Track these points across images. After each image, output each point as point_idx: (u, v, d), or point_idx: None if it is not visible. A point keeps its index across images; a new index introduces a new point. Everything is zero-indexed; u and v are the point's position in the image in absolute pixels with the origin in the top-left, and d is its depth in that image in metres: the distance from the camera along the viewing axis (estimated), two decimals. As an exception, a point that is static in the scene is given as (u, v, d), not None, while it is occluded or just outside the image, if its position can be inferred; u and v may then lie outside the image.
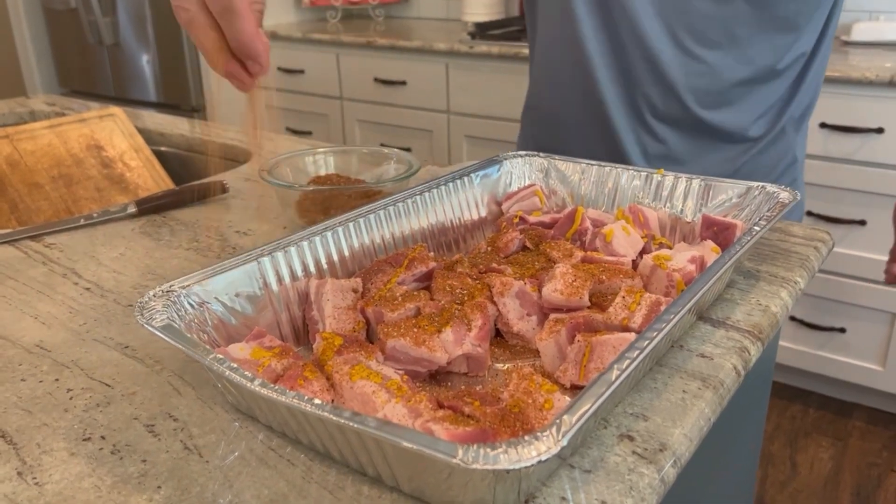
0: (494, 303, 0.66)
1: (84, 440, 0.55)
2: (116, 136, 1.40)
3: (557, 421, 0.42)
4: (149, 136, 1.46)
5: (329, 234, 0.72)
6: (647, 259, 0.69)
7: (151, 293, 0.57)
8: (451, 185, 0.85)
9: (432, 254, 0.76)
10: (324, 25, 3.13)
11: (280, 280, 0.65)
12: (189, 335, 0.54)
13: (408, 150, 2.74)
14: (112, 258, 0.86)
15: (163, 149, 1.46)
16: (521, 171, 0.92)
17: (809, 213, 2.14)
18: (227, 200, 1.04)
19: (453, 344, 0.60)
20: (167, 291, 0.58)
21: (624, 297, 0.63)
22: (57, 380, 0.62)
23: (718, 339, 0.66)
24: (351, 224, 0.74)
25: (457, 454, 0.39)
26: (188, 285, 0.59)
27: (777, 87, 1.02)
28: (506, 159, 0.92)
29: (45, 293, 0.77)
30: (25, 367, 0.64)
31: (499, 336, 0.67)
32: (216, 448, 0.53)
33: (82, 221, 0.95)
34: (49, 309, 0.74)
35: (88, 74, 3.40)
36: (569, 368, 0.59)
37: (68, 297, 0.76)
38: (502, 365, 0.63)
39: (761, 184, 0.79)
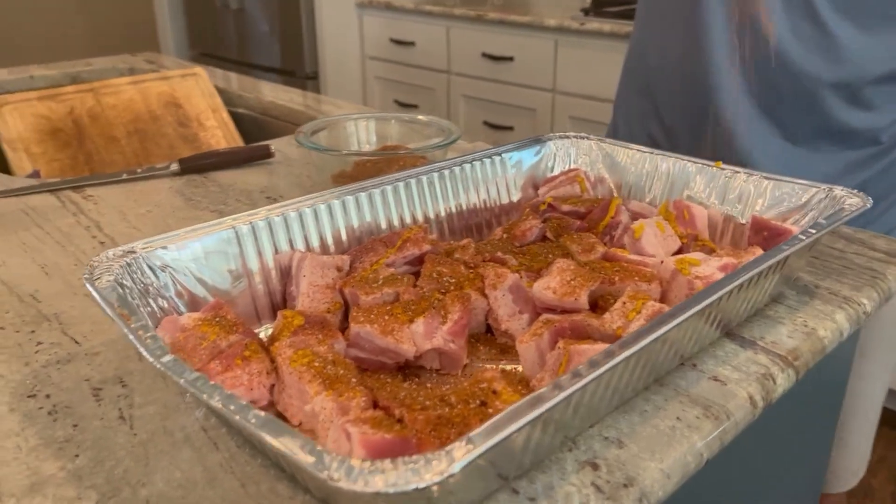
0: (486, 296, 0.59)
1: (29, 397, 0.53)
2: (196, 96, 1.42)
3: (459, 443, 0.36)
4: (228, 98, 1.47)
5: (337, 203, 0.67)
6: (669, 262, 0.60)
7: (111, 252, 0.55)
8: (482, 162, 0.79)
9: (434, 235, 0.70)
10: (440, -3, 3.08)
11: (260, 252, 0.62)
12: (132, 300, 0.51)
13: (510, 129, 2.67)
14: (138, 215, 0.85)
15: (240, 110, 1.46)
16: (565, 154, 0.84)
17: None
18: (271, 165, 1.02)
19: (423, 336, 0.54)
20: (128, 252, 0.55)
21: (624, 304, 0.55)
22: (33, 332, 0.61)
23: (742, 361, 0.57)
24: (364, 195, 0.69)
25: (327, 468, 0.34)
26: (151, 248, 0.56)
27: None
28: (550, 140, 0.84)
29: (62, 244, 0.77)
30: (10, 316, 0.64)
31: (490, 332, 0.61)
32: (149, 421, 0.50)
33: (125, 176, 0.96)
34: (58, 259, 0.74)
35: (215, 38, 3.52)
36: (545, 378, 0.52)
37: (80, 250, 0.76)
38: (484, 365, 0.57)
39: (828, 185, 0.67)
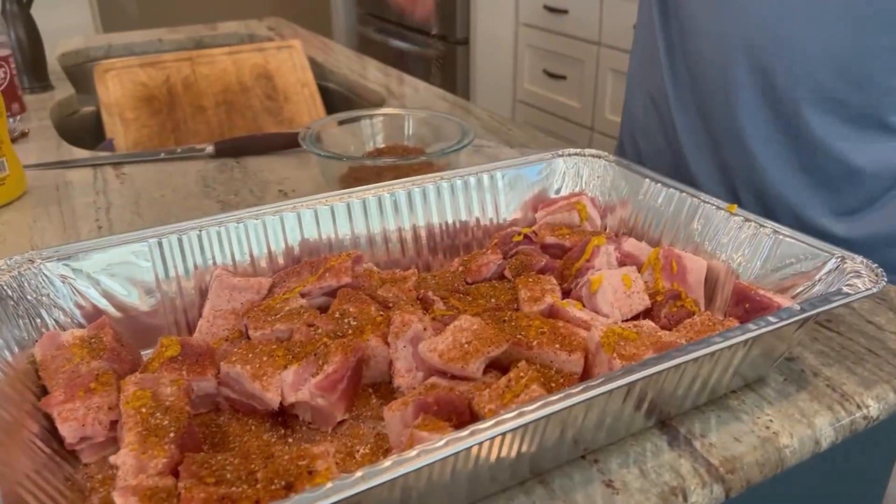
0: (389, 344, 0.54)
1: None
2: (287, 69, 1.42)
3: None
4: (321, 73, 1.46)
5: (308, 213, 0.64)
6: (595, 333, 0.51)
7: (14, 259, 0.55)
8: (476, 178, 0.72)
9: (369, 265, 0.64)
10: (603, -38, 2.90)
11: (185, 265, 0.60)
12: (12, 307, 0.51)
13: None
14: (152, 198, 0.87)
15: (331, 85, 1.46)
16: (576, 175, 0.75)
17: None
18: (306, 155, 1.00)
19: (290, 387, 0.50)
20: (28, 261, 0.55)
21: (510, 381, 0.47)
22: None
23: (658, 464, 0.47)
24: (342, 204, 0.65)
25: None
26: (53, 257, 0.56)
27: None
28: (560, 157, 0.75)
29: (69, 223, 0.80)
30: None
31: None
32: None
33: (163, 155, 0.98)
34: (51, 240, 0.76)
35: (377, 5, 3.55)
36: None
37: (77, 231, 0.78)
38: (363, 424, 0.52)
39: (844, 254, 0.54)
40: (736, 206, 0.63)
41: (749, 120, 0.79)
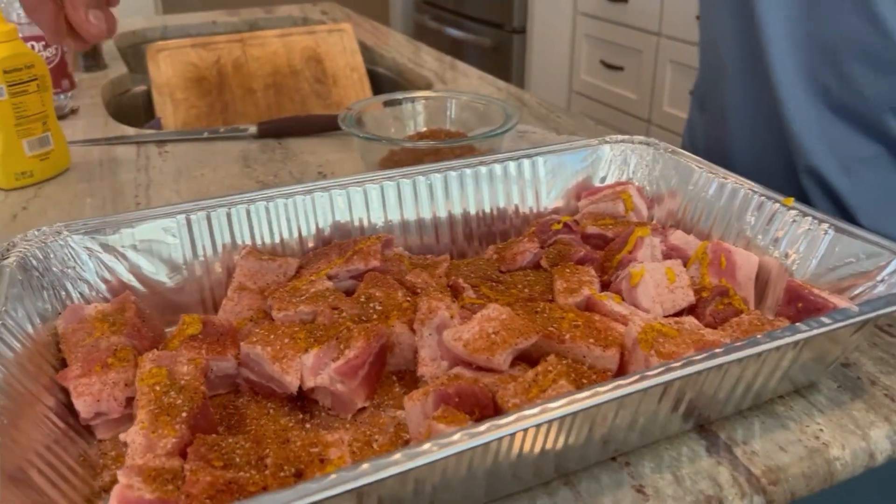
0: (415, 331, 0.52)
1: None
2: (337, 53, 1.41)
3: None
4: (371, 57, 1.45)
5: (323, 196, 0.62)
6: (633, 328, 0.48)
7: (41, 230, 0.54)
8: (516, 164, 0.69)
9: (400, 249, 0.62)
10: (666, -49, 2.82)
11: (213, 243, 0.59)
12: (37, 278, 0.50)
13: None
14: (192, 177, 0.86)
15: (379, 70, 1.44)
16: (623, 163, 0.71)
17: None
18: (349, 138, 0.98)
19: (310, 371, 0.48)
20: (56, 232, 0.54)
21: (537, 376, 0.44)
22: None
23: (694, 471, 0.44)
24: (366, 186, 0.63)
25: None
26: (82, 230, 0.55)
27: None
28: (607, 143, 0.71)
29: (108, 198, 0.80)
30: None
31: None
32: None
33: (206, 135, 0.98)
34: (90, 214, 0.76)
35: (434, -11, 3.53)
36: (416, 449, 0.43)
37: (115, 207, 0.78)
38: (385, 412, 0.50)
39: (907, 252, 0.50)
40: (793, 199, 0.59)
41: None
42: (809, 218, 0.57)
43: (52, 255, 0.53)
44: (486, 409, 0.45)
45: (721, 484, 0.43)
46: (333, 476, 0.33)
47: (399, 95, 0.86)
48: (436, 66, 1.36)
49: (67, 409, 0.46)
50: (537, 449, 0.40)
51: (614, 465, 0.45)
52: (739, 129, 0.79)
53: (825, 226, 0.55)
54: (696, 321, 0.50)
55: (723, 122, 0.81)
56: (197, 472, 0.38)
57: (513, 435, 0.37)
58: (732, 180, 0.63)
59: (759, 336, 0.43)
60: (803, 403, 0.49)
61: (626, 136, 0.72)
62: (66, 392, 0.47)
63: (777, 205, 0.59)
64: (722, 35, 0.78)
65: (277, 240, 0.61)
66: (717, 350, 0.42)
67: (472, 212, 0.68)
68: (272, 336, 0.50)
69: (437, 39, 3.22)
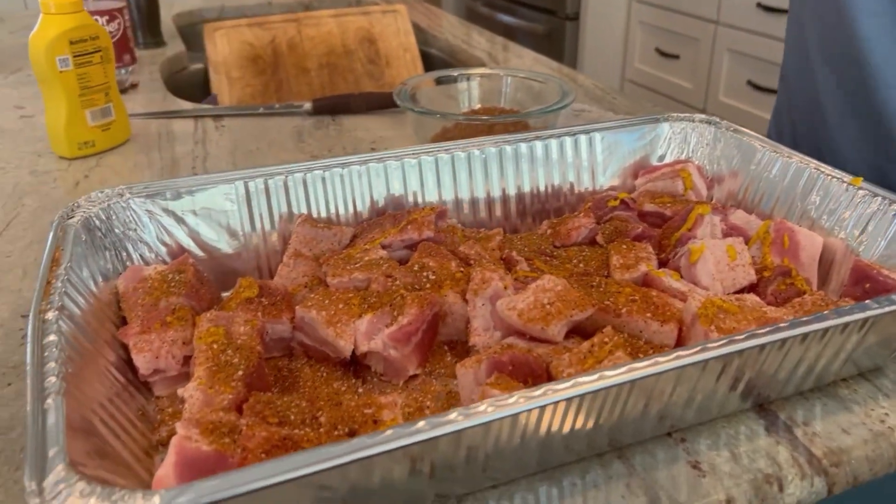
0: (468, 301, 0.51)
1: None
2: (391, 33, 1.41)
3: (184, 487, 0.30)
4: (424, 38, 1.45)
5: (378, 167, 0.62)
6: (693, 303, 0.47)
7: (104, 192, 0.56)
8: (572, 139, 0.68)
9: (453, 221, 0.62)
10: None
11: (266, 213, 0.59)
12: (100, 238, 0.51)
13: (773, 91, 2.34)
14: (247, 150, 0.87)
15: (432, 51, 1.44)
16: (683, 141, 0.70)
17: None
18: (402, 115, 0.98)
19: (363, 336, 0.48)
20: (118, 195, 0.56)
21: (592, 346, 0.44)
22: None
23: (752, 449, 0.43)
24: (430, 158, 0.63)
25: (39, 478, 0.31)
26: (144, 193, 0.56)
27: None
28: (666, 121, 0.70)
29: (166, 169, 0.82)
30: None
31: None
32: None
33: (261, 110, 0.99)
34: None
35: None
36: (468, 415, 0.43)
37: (173, 177, 0.79)
38: (436, 380, 0.50)
39: None
40: (861, 179, 0.57)
41: None
42: (879, 198, 0.55)
43: (114, 217, 0.55)
44: (539, 378, 0.44)
45: (780, 463, 0.42)
46: (389, 432, 0.33)
47: (454, 72, 0.85)
48: (488, 48, 1.35)
49: (127, 364, 0.47)
50: (591, 420, 0.39)
51: (669, 440, 0.44)
52: (832, 117, 0.76)
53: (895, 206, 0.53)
54: (757, 298, 0.49)
55: (817, 110, 0.78)
56: (253, 427, 0.39)
57: (569, 400, 0.36)
58: (797, 159, 0.61)
59: (825, 312, 0.42)
60: (868, 387, 0.48)
61: (686, 114, 0.70)
62: (125, 349, 0.48)
63: (845, 184, 0.57)
64: (811, 23, 0.76)
65: (332, 208, 0.61)
66: (782, 324, 0.41)
67: (527, 189, 0.67)
68: (327, 301, 0.50)
69: (488, 26, 3.19)
